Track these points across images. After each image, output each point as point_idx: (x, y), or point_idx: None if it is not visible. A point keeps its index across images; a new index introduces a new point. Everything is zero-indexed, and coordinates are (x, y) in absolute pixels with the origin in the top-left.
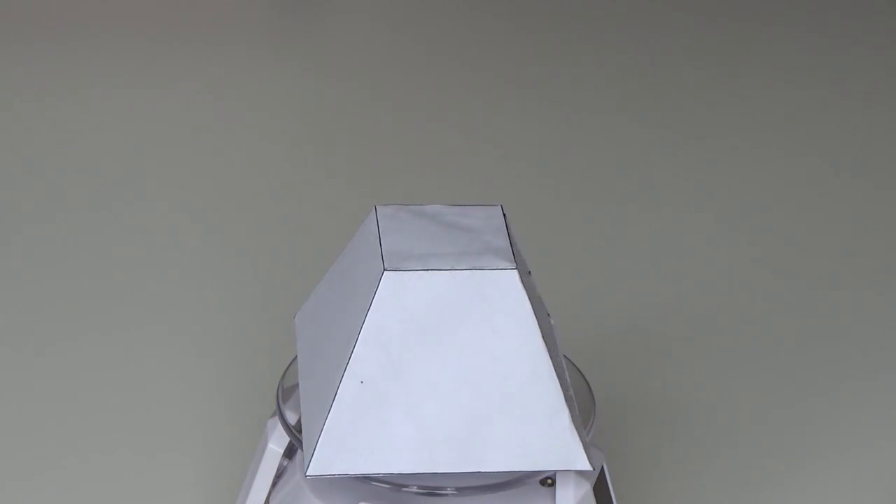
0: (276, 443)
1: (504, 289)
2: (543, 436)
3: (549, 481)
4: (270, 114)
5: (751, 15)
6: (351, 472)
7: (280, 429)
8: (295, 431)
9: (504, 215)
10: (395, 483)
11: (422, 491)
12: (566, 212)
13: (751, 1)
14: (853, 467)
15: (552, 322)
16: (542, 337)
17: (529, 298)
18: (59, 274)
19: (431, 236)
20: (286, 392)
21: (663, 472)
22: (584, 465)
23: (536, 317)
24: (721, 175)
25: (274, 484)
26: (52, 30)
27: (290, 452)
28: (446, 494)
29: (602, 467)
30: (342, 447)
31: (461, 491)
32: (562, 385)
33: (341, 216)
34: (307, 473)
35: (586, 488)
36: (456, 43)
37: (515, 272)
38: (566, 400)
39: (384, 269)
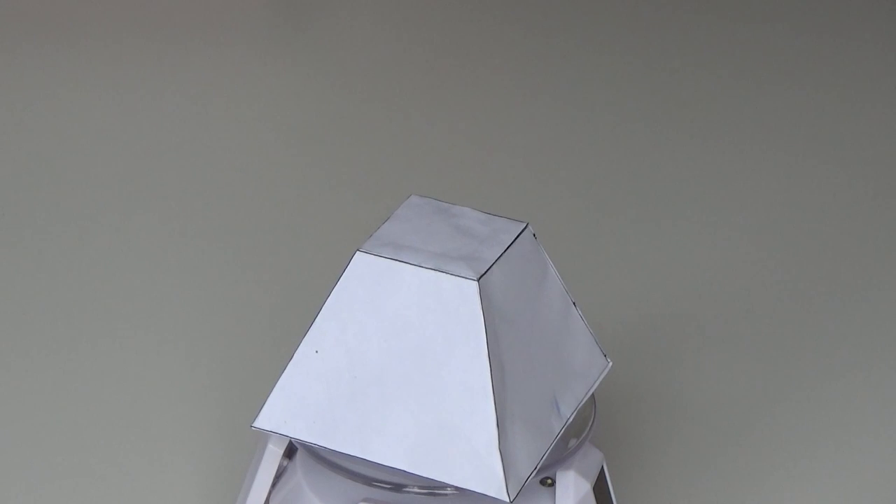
0: (276, 443)
1: (462, 298)
2: (466, 453)
3: (549, 481)
4: (270, 114)
5: (765, 18)
6: (292, 436)
7: None
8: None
9: (532, 234)
10: (396, 483)
11: (422, 491)
12: (567, 212)
13: (765, 5)
14: (854, 467)
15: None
16: (489, 355)
17: (487, 312)
18: (58, 275)
19: (432, 233)
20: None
21: (663, 472)
22: (501, 493)
23: (488, 333)
24: (723, 176)
25: (274, 484)
26: (52, 30)
27: (290, 452)
28: (446, 494)
29: (602, 467)
30: (289, 411)
31: (462, 491)
32: (500, 407)
33: (341, 216)
34: (251, 424)
35: (586, 488)
36: (457, 43)
37: (475, 283)
38: (500, 422)
39: (357, 250)
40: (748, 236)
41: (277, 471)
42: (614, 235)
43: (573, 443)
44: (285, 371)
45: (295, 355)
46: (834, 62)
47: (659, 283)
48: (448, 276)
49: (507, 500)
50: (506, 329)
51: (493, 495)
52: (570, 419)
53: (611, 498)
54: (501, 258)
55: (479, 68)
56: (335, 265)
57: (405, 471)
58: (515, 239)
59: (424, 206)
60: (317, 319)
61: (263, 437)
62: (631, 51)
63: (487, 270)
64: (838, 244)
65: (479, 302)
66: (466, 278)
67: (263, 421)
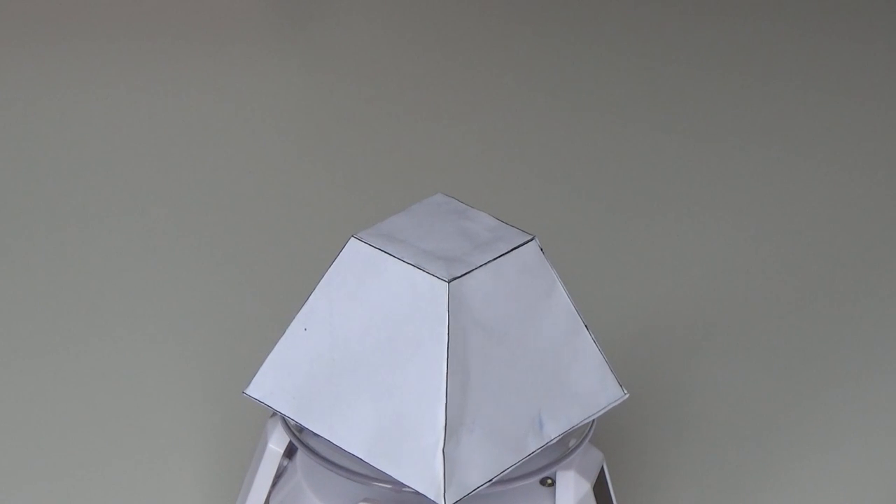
0: (276, 443)
1: (432, 297)
2: (413, 451)
3: (549, 481)
4: (271, 113)
5: (762, 17)
6: (275, 408)
7: (280, 429)
8: (295, 431)
9: (539, 248)
10: (396, 482)
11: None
12: (570, 213)
13: (768, 6)
14: (854, 468)
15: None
16: (449, 358)
17: (456, 316)
18: (58, 275)
19: (433, 231)
20: (294, 423)
21: (663, 472)
22: (438, 497)
23: (453, 336)
24: (727, 179)
25: (274, 484)
26: (52, 30)
27: (290, 452)
28: None
29: (602, 467)
30: (277, 383)
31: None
32: (454, 411)
33: (342, 216)
34: (243, 391)
35: (586, 488)
36: (457, 43)
37: (446, 284)
38: (452, 427)
39: (352, 236)
40: (752, 239)
41: (277, 471)
42: (618, 237)
43: (573, 443)
44: (277, 344)
45: (287, 330)
46: (834, 62)
47: (660, 284)
48: (423, 273)
49: (443, 503)
50: (482, 336)
51: (432, 497)
52: (555, 440)
53: (611, 498)
54: (491, 266)
55: (480, 68)
56: None
57: (362, 459)
58: (513, 249)
59: (443, 206)
60: (310, 298)
61: (263, 436)
62: (636, 53)
63: (465, 274)
64: (843, 247)
65: (446, 303)
66: (438, 278)
67: (254, 389)
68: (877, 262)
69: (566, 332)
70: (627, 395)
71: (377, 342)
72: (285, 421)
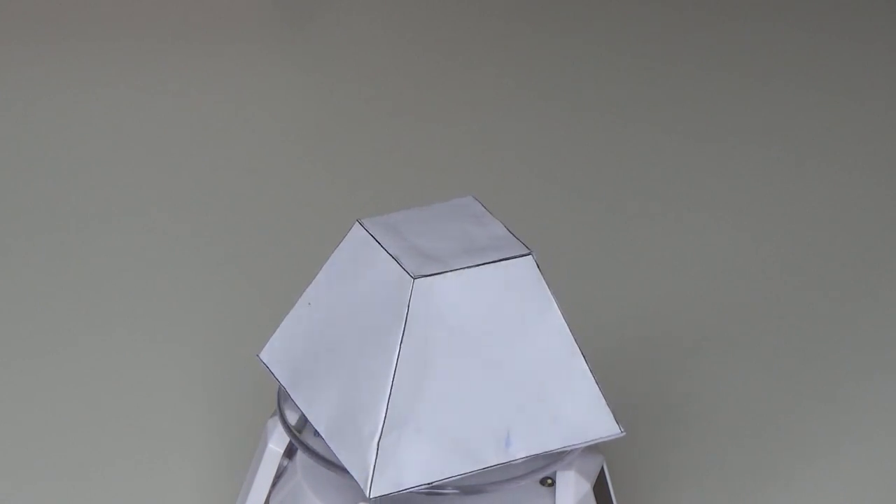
0: (276, 443)
1: (398, 291)
2: (354, 438)
3: (549, 481)
4: (271, 112)
5: (762, 17)
6: (277, 376)
7: (280, 429)
8: (295, 431)
9: (535, 264)
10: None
11: (422, 490)
12: (570, 213)
13: (762, 3)
14: (854, 468)
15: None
16: (400, 354)
17: (418, 313)
18: (59, 274)
19: (436, 230)
20: (286, 392)
21: (663, 472)
22: (365, 485)
23: (409, 333)
24: (725, 177)
25: (274, 484)
26: (52, 30)
27: (290, 452)
28: (447, 494)
29: (602, 467)
30: (281, 353)
31: (462, 490)
32: (399, 407)
33: (343, 216)
34: (257, 354)
35: (586, 488)
36: (457, 42)
37: (411, 281)
38: (394, 421)
39: (357, 220)
40: (752, 240)
41: (277, 471)
42: (618, 236)
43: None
44: (288, 314)
45: (298, 301)
46: (834, 61)
47: (661, 284)
48: (396, 266)
49: (367, 494)
50: (450, 340)
51: (361, 485)
52: (520, 461)
53: (611, 498)
54: (470, 272)
55: (480, 67)
56: None
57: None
58: (501, 260)
59: (464, 208)
60: (319, 273)
61: (263, 436)
62: (633, 52)
63: (437, 274)
64: (843, 247)
65: (407, 299)
66: (407, 273)
67: (265, 354)
68: (877, 261)
69: (558, 357)
70: (623, 434)
71: (356, 327)
72: (286, 421)
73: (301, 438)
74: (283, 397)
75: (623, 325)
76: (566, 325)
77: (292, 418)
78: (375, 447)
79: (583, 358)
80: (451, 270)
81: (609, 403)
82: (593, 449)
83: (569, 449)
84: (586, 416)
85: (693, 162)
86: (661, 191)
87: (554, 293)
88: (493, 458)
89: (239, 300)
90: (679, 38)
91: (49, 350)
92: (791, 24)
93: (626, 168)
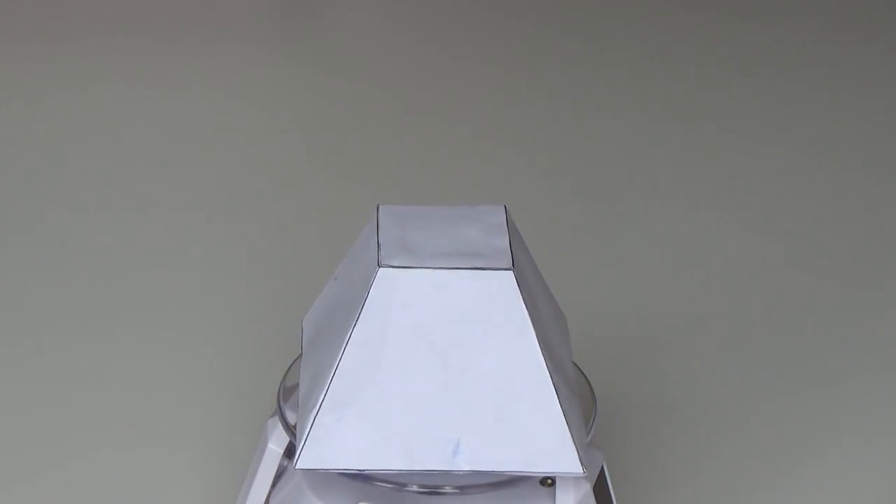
0: (276, 443)
1: (367, 277)
2: (301, 419)
3: (549, 481)
4: (271, 113)
5: (757, 13)
6: (303, 349)
7: (280, 429)
8: (295, 431)
9: (515, 280)
10: (396, 482)
11: (422, 490)
12: (568, 210)
13: (766, 2)
14: (854, 467)
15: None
16: (349, 342)
17: (375, 302)
18: (60, 273)
19: (440, 229)
20: (287, 392)
21: (663, 472)
22: (294, 454)
23: (364, 320)
24: (722, 174)
25: (274, 484)
26: (52, 30)
27: (290, 452)
28: (447, 493)
29: (602, 467)
30: (310, 325)
31: (462, 490)
32: (341, 388)
33: (343, 215)
34: (302, 318)
35: (586, 488)
36: (457, 41)
37: (377, 270)
38: (336, 400)
39: (379, 205)
40: (748, 236)
41: (277, 471)
42: (612, 234)
43: None
44: (325, 285)
45: (332, 274)
46: (835, 58)
47: (659, 282)
48: (374, 253)
49: (295, 461)
50: (408, 336)
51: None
52: (463, 472)
53: (611, 498)
54: (443, 275)
55: (481, 66)
56: (337, 262)
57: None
58: (475, 269)
59: (486, 215)
60: (350, 250)
61: (263, 436)
62: (631, 47)
63: (403, 268)
64: (844, 245)
65: (368, 288)
66: (377, 261)
67: (305, 321)
68: (877, 260)
69: (526, 381)
70: (584, 475)
71: (344, 305)
72: (286, 421)
73: None
74: (283, 397)
75: (623, 324)
76: (540, 350)
77: (292, 418)
78: (311, 421)
79: (552, 387)
80: (420, 267)
81: (577, 440)
82: (593, 448)
83: (519, 475)
84: (546, 445)
85: (692, 159)
86: (660, 190)
87: (532, 314)
88: (435, 462)
89: (239, 300)
90: (680, 34)
91: (49, 350)
92: (791, 21)
93: (625, 166)
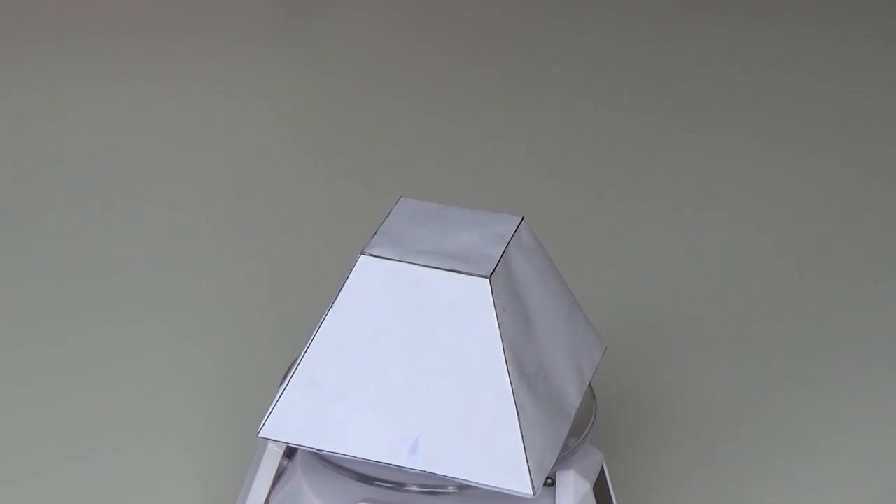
0: (276, 443)
1: (358, 270)
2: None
3: (549, 481)
4: (272, 113)
5: (762, 12)
6: None
7: None
8: None
9: (490, 293)
10: (396, 482)
11: (423, 490)
12: (568, 209)
13: (766, 1)
14: (854, 467)
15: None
16: (324, 320)
17: (352, 286)
18: (59, 272)
19: (451, 228)
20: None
21: (663, 472)
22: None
23: (337, 304)
24: (725, 174)
25: (274, 484)
26: (52, 30)
27: (290, 452)
28: (447, 493)
29: (602, 467)
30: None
31: (462, 490)
32: (309, 366)
33: (344, 215)
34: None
35: (586, 488)
36: (458, 41)
37: (360, 257)
38: (303, 376)
39: (400, 196)
40: (749, 236)
41: (277, 471)
42: (614, 234)
43: (573, 443)
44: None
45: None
46: (836, 56)
47: (660, 282)
48: (368, 243)
49: (258, 430)
50: (381, 327)
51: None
52: (414, 471)
53: (611, 498)
54: (421, 272)
55: (481, 66)
56: (338, 264)
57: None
58: (451, 271)
59: (498, 223)
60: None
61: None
62: (634, 47)
63: (383, 258)
64: (844, 244)
65: (349, 272)
66: (363, 249)
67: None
68: (877, 260)
69: (488, 392)
70: (533, 497)
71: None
72: None
73: None
74: None
75: (622, 324)
76: (505, 363)
77: None
78: (280, 394)
79: (513, 402)
80: (399, 261)
81: (532, 460)
82: (593, 448)
83: (468, 484)
84: (500, 460)
85: (692, 156)
86: (661, 189)
87: (506, 326)
88: (391, 456)
89: (239, 299)
90: (681, 31)
91: (48, 350)
92: (800, 22)
93: (623, 163)
